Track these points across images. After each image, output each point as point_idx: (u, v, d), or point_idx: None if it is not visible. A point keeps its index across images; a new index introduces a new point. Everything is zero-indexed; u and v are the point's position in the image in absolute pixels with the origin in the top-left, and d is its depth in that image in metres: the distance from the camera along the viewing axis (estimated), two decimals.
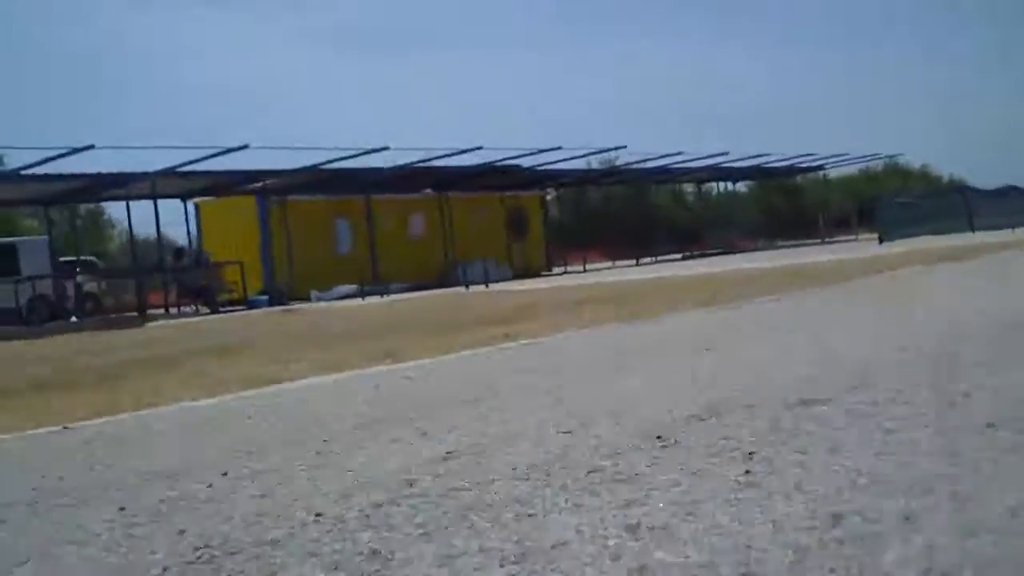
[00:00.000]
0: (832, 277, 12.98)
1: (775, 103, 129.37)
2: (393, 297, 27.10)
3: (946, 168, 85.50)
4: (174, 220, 72.07)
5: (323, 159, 34.42)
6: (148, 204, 32.59)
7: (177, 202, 36.18)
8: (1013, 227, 31.53)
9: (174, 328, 18.66)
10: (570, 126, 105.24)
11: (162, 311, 32.25)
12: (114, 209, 49.05)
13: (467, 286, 27.81)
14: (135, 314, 29.88)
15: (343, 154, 33.99)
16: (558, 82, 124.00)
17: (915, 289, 10.63)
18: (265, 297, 31.87)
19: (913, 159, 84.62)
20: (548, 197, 52.93)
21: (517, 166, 40.98)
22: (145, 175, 30.22)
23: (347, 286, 31.76)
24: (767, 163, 53.32)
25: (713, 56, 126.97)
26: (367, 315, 15.99)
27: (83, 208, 51.17)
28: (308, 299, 32.13)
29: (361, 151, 33.40)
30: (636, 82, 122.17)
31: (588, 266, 44.69)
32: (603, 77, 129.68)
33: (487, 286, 27.47)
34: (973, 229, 32.80)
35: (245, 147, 29.77)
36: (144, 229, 53.51)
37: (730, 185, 61.31)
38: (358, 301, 26.95)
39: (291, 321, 16.05)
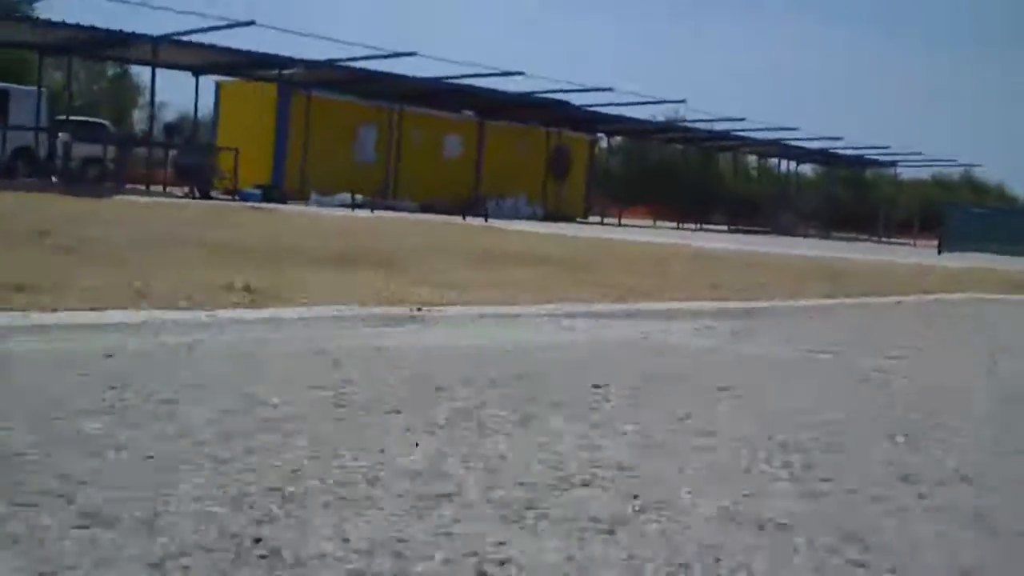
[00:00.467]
0: (843, 288, 9.90)
1: (855, 91, 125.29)
2: (387, 215, 24.22)
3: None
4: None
5: (344, 55, 31.42)
6: (179, 76, 29.75)
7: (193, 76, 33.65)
8: None
9: (97, 206, 15.83)
10: (631, 77, 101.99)
11: (157, 188, 29.62)
12: (144, 74, 46.39)
13: (464, 216, 24.96)
14: (111, 185, 27.18)
15: (368, 52, 30.95)
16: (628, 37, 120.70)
17: (954, 331, 7.64)
18: (258, 192, 29.05)
19: (991, 174, 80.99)
20: (601, 143, 49.85)
21: (565, 102, 37.75)
22: (146, 38, 27.35)
23: (348, 195, 29.01)
24: (836, 148, 49.73)
25: (802, 35, 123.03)
26: (297, 228, 13.14)
27: (111, 71, 48.86)
28: (307, 200, 29.60)
29: (387, 53, 30.37)
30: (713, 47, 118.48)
31: (625, 222, 41.66)
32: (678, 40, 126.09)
33: (487, 220, 24.60)
34: None
35: (251, 23, 26.92)
36: (174, 102, 50.82)
37: (793, 165, 57.87)
38: (346, 212, 24.11)
39: (218, 222, 13.16)
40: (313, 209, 24.52)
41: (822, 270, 12.34)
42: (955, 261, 20.55)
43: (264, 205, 23.79)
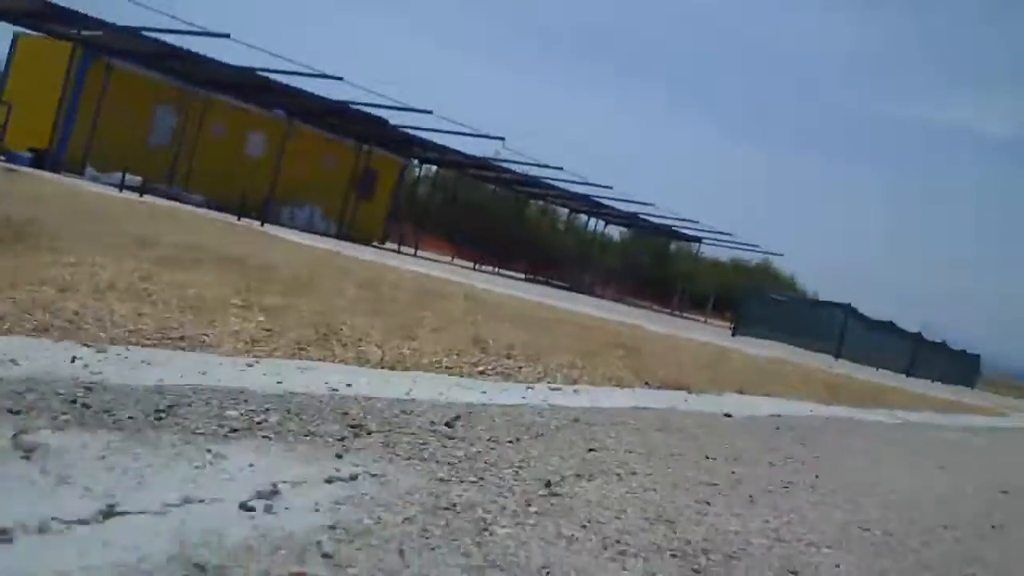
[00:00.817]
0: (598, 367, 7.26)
1: (668, 162, 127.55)
2: (156, 201, 22.16)
3: (816, 287, 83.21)
4: None
5: (153, 24, 29.16)
6: None
7: None
8: (877, 367, 28.11)
9: None
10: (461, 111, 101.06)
11: None
12: None
13: (240, 218, 23.12)
14: None
15: (177, 26, 28.74)
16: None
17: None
18: (30, 155, 26.56)
19: (785, 266, 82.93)
20: (414, 169, 48.44)
21: (383, 120, 36.08)
22: None
23: (122, 175, 26.72)
24: (647, 214, 49.24)
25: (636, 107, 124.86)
26: None
27: None
28: (81, 174, 27.27)
29: (199, 30, 28.27)
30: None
31: (422, 254, 40.15)
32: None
33: (263, 224, 22.81)
34: (839, 356, 28.93)
35: None
36: None
37: (601, 225, 57.46)
38: (108, 191, 21.97)
39: None
40: (71, 182, 22.31)
41: (618, 338, 10.93)
42: (754, 347, 19.68)
43: (17, 168, 21.43)
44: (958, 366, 42.31)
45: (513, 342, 7.02)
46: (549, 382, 5.81)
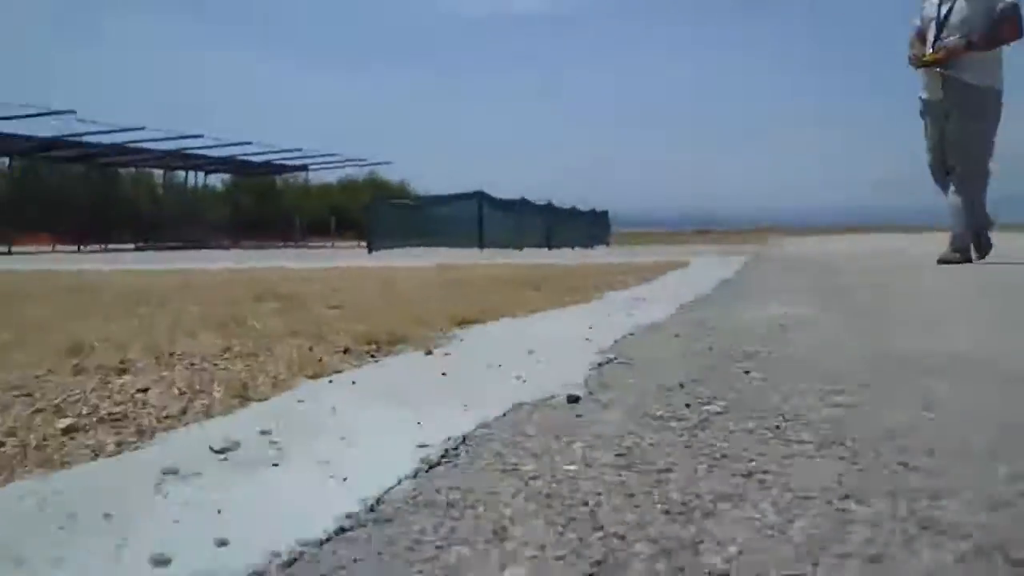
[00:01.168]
0: None
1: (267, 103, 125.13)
2: None
3: (428, 188, 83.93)
4: None
5: None
6: None
7: None
8: (522, 247, 28.14)
9: None
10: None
11: None
12: None
13: None
14: None
15: None
16: None
17: None
18: None
19: (392, 173, 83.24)
20: None
21: None
22: None
23: None
24: (246, 154, 47.34)
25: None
26: None
27: None
28: None
29: None
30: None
31: (19, 250, 36.79)
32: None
33: None
34: (482, 246, 28.62)
35: None
36: None
37: (202, 177, 54.95)
38: None
39: None
40: None
41: (267, 288, 9.16)
42: (403, 259, 18.74)
43: None
44: (592, 226, 43.84)
45: (128, 338, 4.45)
46: (203, 412, 2.71)
